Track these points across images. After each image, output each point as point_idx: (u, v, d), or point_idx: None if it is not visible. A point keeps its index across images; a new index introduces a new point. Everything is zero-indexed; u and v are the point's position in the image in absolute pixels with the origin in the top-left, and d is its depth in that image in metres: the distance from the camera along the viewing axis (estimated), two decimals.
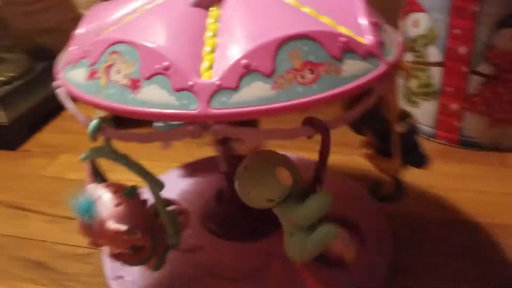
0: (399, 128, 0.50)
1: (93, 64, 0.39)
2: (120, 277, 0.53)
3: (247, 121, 0.44)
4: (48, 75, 0.91)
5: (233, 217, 0.56)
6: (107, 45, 0.38)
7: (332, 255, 0.39)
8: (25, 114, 0.86)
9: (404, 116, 0.52)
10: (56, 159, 0.79)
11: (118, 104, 0.37)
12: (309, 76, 0.36)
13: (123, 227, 0.37)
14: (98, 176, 0.43)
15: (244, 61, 0.35)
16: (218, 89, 0.35)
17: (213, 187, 0.61)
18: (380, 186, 0.54)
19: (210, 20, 0.39)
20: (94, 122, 0.38)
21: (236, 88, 0.35)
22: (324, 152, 0.38)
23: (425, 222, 0.61)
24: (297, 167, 0.40)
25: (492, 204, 0.64)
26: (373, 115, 0.50)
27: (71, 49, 0.43)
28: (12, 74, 0.88)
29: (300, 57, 0.36)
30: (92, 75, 0.39)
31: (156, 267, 0.44)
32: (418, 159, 0.52)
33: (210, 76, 0.35)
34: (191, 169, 0.70)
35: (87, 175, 0.42)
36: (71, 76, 0.41)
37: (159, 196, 0.41)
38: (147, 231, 0.41)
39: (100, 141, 0.40)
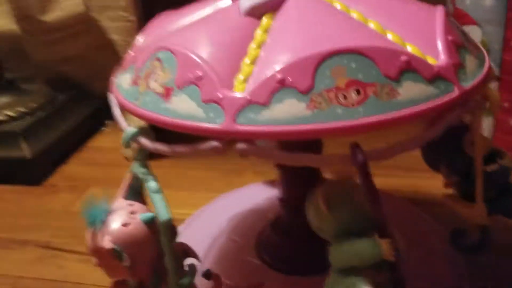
0: (487, 168, 0.43)
1: (138, 70, 0.38)
2: None
3: (310, 145, 0.40)
4: (71, 105, 0.93)
5: (291, 248, 0.52)
6: (152, 51, 0.37)
7: None
8: (49, 146, 0.82)
9: (495, 154, 0.44)
10: (85, 193, 0.75)
11: (150, 112, 0.35)
12: (354, 97, 0.31)
13: (110, 245, 0.34)
14: (133, 194, 0.40)
15: (279, 76, 0.31)
16: (247, 104, 0.32)
17: (266, 216, 0.58)
18: (463, 234, 0.46)
19: (258, 31, 0.36)
20: (130, 130, 0.37)
21: (266, 104, 0.31)
22: (368, 191, 0.32)
23: None
24: (362, 201, 0.34)
25: None
26: (453, 150, 0.44)
27: (127, 55, 0.42)
28: (34, 105, 0.85)
29: (345, 75, 0.31)
30: (135, 81, 0.38)
31: None
32: (509, 207, 0.44)
33: (243, 90, 0.32)
34: (236, 198, 0.66)
35: (121, 187, 0.40)
36: (120, 81, 0.41)
37: (169, 232, 0.36)
38: (152, 269, 0.38)
39: None
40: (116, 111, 0.41)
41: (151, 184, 0.37)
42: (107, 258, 0.35)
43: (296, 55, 0.32)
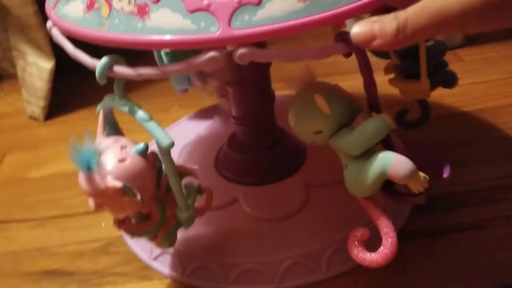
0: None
1: None
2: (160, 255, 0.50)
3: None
4: None
5: (250, 162, 0.53)
6: None
7: (399, 186, 0.36)
8: None
9: None
10: (2, 162, 0.69)
11: (126, 35, 0.32)
12: None
13: (118, 184, 0.32)
14: (111, 129, 0.38)
15: None
16: (239, 6, 0.31)
17: (213, 142, 0.59)
18: (405, 113, 0.51)
19: None
20: (103, 60, 0.34)
21: (258, 4, 0.31)
22: (365, 72, 0.35)
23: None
24: (351, 96, 0.37)
25: None
26: None
27: None
28: None
29: None
30: (90, 6, 0.34)
31: (164, 243, 0.40)
32: (448, 77, 0.49)
33: None
34: (201, 117, 0.67)
35: (98, 125, 0.37)
36: (65, 12, 0.37)
37: (169, 156, 0.36)
38: (156, 199, 0.37)
39: None
40: (68, 46, 0.37)
41: (140, 114, 0.35)
42: (113, 198, 0.33)
43: None
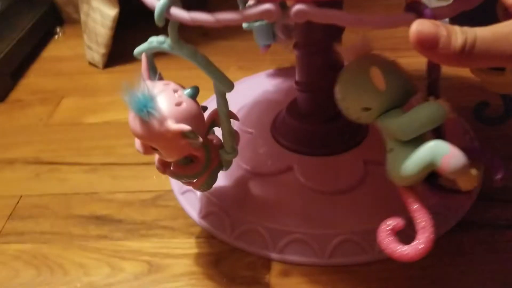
0: None
1: None
2: (189, 191, 0.50)
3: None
4: (14, 13, 0.82)
5: (308, 131, 0.52)
6: None
7: (446, 181, 0.33)
8: (3, 59, 0.73)
9: None
10: (59, 104, 0.70)
11: None
12: None
13: (186, 127, 0.32)
14: (153, 73, 0.37)
15: None
16: None
17: (273, 105, 0.57)
18: (485, 106, 0.47)
19: None
20: (161, 2, 0.33)
21: None
22: None
23: None
24: (408, 75, 0.33)
25: None
26: (485, 19, 0.43)
27: None
28: None
29: None
30: None
31: (206, 186, 0.40)
32: None
33: None
34: (260, 80, 0.65)
35: (144, 70, 0.36)
36: None
37: (225, 99, 0.36)
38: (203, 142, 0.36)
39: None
40: None
41: (200, 58, 0.34)
42: (171, 141, 0.33)
43: None
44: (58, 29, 0.88)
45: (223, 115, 0.37)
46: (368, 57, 0.34)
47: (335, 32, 0.47)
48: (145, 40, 0.36)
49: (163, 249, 0.46)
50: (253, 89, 0.62)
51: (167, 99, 0.33)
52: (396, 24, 0.31)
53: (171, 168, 0.39)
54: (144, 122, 0.33)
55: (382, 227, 0.33)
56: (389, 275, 0.42)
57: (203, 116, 0.36)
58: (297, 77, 0.51)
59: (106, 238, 0.48)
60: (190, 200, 0.50)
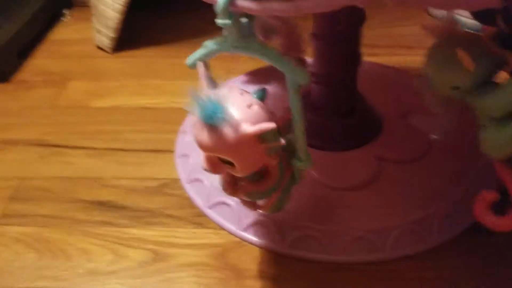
0: None
1: None
2: (197, 180, 0.49)
3: None
4: None
5: (321, 125, 0.50)
6: None
7: None
8: (11, 39, 0.72)
9: None
10: (66, 87, 0.68)
11: None
12: None
13: (267, 126, 0.29)
14: (210, 80, 0.34)
15: None
16: None
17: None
18: None
19: None
20: None
21: None
22: None
23: None
24: (497, 49, 0.33)
25: None
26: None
27: None
28: None
29: None
30: None
31: (279, 204, 0.36)
32: None
33: None
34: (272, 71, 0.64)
35: (202, 77, 0.34)
36: None
37: (299, 95, 0.33)
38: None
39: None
40: None
41: (274, 52, 0.32)
42: (247, 147, 0.30)
43: None
44: (66, 12, 0.87)
45: (297, 113, 0.33)
46: (456, 36, 0.34)
47: (357, 21, 0.45)
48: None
49: (168, 238, 0.45)
50: (266, 79, 0.60)
51: (237, 102, 0.30)
52: (481, 5, 0.30)
53: (242, 184, 0.35)
54: (215, 131, 0.30)
55: (479, 200, 0.35)
56: (398, 275, 0.41)
57: (275, 119, 0.32)
58: (313, 68, 0.50)
59: (110, 224, 0.47)
60: (197, 189, 0.49)
